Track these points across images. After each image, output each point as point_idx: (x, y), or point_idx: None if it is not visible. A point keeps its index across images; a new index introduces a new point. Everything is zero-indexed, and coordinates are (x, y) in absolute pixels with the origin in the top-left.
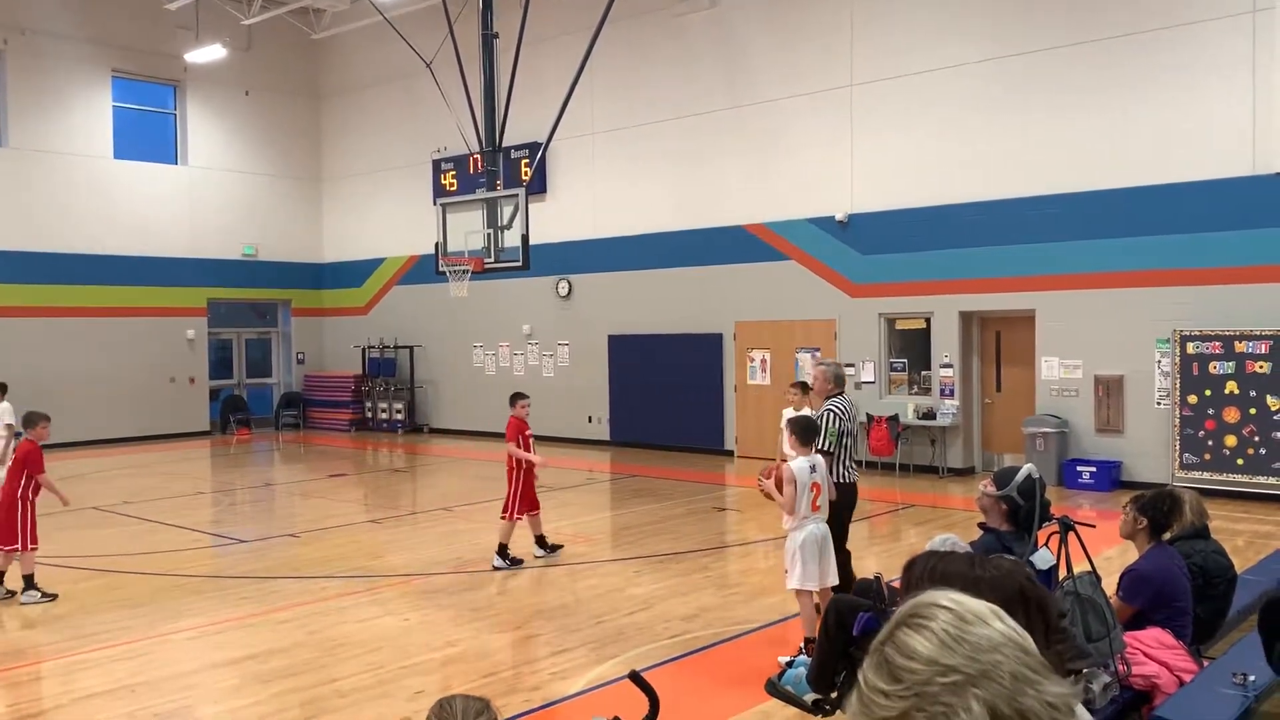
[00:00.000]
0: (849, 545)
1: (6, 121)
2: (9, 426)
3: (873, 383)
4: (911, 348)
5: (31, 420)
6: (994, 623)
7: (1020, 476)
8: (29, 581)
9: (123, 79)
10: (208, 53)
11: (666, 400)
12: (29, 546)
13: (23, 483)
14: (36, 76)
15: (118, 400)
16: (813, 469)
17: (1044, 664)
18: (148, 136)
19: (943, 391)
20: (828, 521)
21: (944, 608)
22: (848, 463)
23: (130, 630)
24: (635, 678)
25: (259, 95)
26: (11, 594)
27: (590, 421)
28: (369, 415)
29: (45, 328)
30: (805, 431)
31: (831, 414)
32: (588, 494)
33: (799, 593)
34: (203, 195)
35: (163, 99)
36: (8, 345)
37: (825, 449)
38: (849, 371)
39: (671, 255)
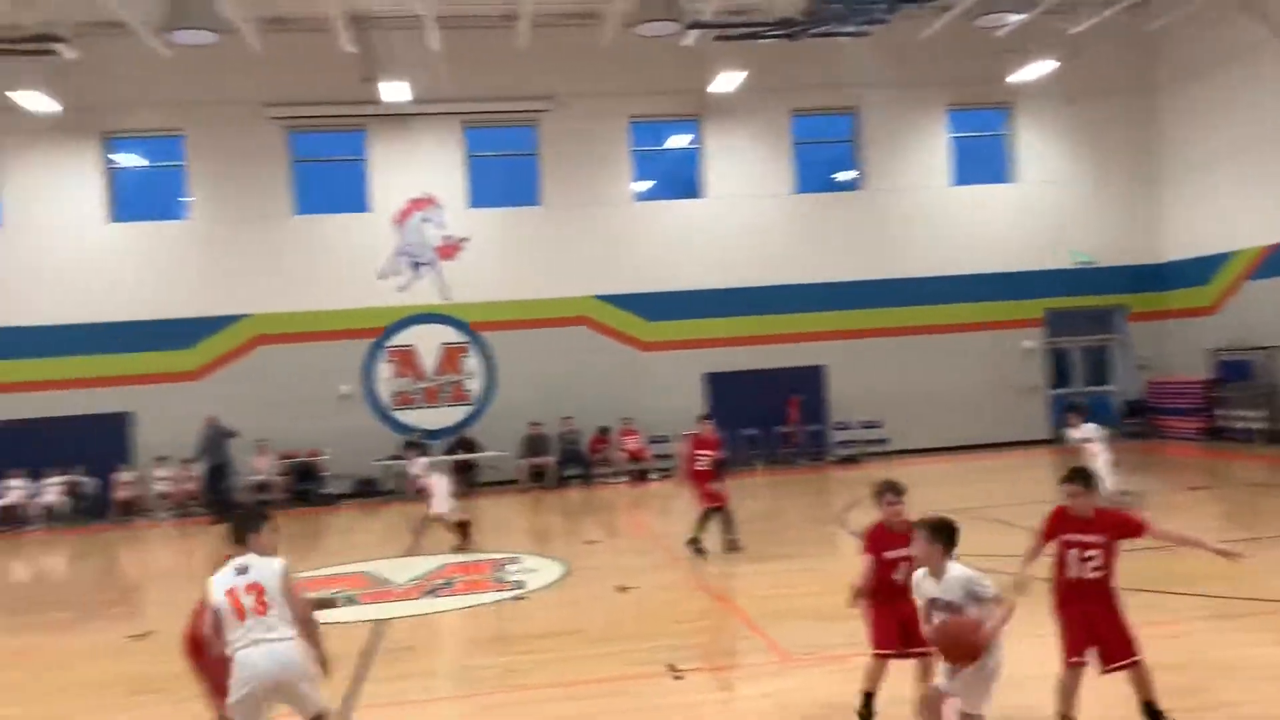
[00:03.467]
0: None
1: (865, 169)
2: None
3: None
4: None
5: (879, 491)
6: None
7: None
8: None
9: (957, 111)
10: (1035, 70)
11: None
12: (875, 651)
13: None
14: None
15: (960, 409)
16: None
17: None
18: (981, 160)
19: None
20: None
21: None
22: None
23: None
24: None
25: (1084, 102)
26: None
27: None
28: (1221, 423)
29: (891, 345)
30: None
31: None
32: None
33: None
34: (1033, 209)
35: (994, 123)
36: (860, 364)
37: None
38: None
39: None
